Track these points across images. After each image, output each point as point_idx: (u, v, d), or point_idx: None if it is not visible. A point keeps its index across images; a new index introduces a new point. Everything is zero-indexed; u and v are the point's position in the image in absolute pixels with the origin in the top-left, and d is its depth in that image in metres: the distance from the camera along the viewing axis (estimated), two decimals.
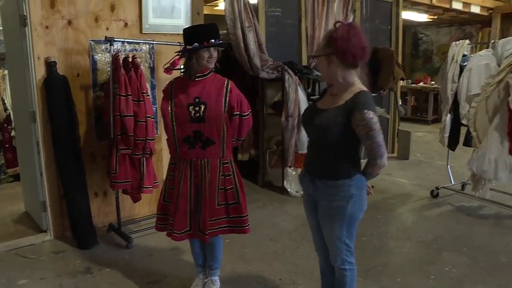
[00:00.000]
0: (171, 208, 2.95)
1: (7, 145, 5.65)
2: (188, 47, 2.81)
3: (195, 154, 2.87)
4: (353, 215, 2.39)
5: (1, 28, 5.05)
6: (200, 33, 2.85)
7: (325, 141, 2.36)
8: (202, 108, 2.82)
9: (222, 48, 2.99)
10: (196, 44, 2.77)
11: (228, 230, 2.99)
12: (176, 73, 3.84)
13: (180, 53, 2.94)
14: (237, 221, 2.98)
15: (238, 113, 2.95)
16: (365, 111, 2.20)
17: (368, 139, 2.23)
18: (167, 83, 3.05)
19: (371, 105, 2.24)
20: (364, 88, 2.32)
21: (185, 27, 2.98)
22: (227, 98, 2.88)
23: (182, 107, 2.83)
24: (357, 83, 2.33)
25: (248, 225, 3.01)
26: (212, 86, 2.87)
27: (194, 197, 2.90)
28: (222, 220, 2.94)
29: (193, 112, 2.82)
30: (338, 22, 2.29)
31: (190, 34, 2.87)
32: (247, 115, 3.01)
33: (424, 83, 11.16)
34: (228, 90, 2.89)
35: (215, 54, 2.85)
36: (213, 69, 2.92)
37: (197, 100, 2.82)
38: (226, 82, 2.92)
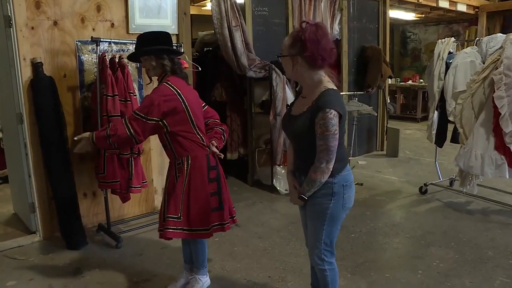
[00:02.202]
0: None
1: None
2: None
3: None
4: (334, 213, 2.36)
5: None
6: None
7: (303, 145, 2.35)
8: None
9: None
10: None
11: None
12: None
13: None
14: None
15: None
16: (327, 109, 2.14)
17: (321, 139, 2.17)
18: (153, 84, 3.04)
19: (335, 103, 2.18)
20: (331, 86, 2.26)
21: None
22: None
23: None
24: (324, 81, 2.28)
25: None
26: None
27: None
28: None
29: None
30: (304, 22, 2.24)
31: None
32: None
33: (412, 81, 11.26)
34: None
35: (145, 64, 2.91)
36: (164, 76, 2.91)
37: None
38: None
